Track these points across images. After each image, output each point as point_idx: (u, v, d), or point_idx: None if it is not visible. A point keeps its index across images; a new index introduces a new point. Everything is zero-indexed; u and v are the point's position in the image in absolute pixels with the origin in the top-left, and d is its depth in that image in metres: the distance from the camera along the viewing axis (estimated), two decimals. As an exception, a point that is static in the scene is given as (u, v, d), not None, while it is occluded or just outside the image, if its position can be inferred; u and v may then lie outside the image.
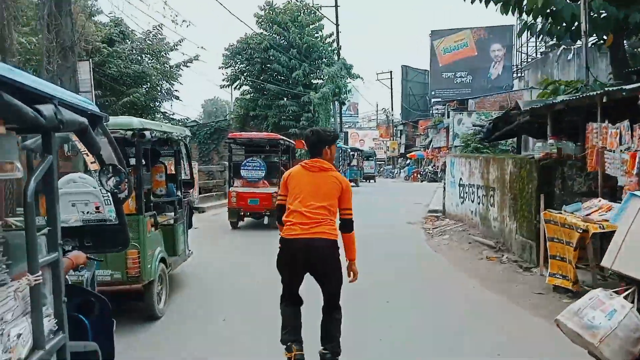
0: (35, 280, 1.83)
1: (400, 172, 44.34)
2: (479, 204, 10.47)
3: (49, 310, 2.08)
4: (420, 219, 13.20)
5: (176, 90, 22.32)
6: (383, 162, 52.73)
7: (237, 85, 32.38)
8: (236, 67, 32.12)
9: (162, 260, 5.82)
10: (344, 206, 3.94)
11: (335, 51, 32.21)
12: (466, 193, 11.29)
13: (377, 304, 6.10)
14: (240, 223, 12.27)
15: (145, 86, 17.89)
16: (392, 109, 53.86)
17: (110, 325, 2.86)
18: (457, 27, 43.26)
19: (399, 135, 57.22)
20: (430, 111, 59.45)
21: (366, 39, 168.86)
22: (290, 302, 3.99)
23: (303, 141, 8.43)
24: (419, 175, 34.47)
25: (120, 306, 4.87)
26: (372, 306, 6.02)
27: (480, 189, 10.37)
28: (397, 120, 58.68)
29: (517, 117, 9.48)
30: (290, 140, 14.99)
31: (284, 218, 3.99)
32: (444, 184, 16.08)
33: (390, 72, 52.57)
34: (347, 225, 3.95)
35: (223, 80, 32.44)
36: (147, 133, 5.39)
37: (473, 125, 27.88)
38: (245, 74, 32.03)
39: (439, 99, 43.46)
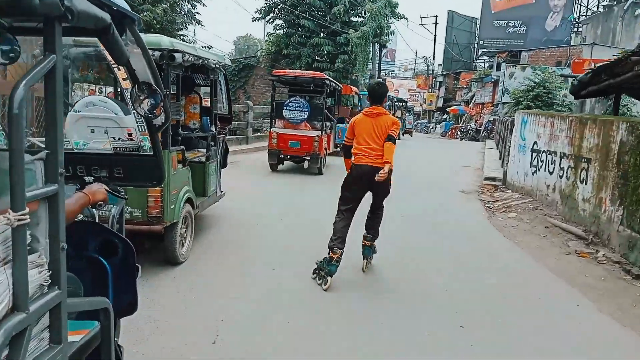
0: (19, 220, 1.35)
1: (436, 128, 41.47)
2: (560, 177, 8.13)
3: (42, 259, 1.54)
4: (476, 187, 10.91)
5: (198, 13, 19.72)
6: (417, 115, 49.62)
7: (270, 19, 29.62)
8: (270, -1, 29.32)
9: (189, 200, 5.33)
10: (392, 128, 4.90)
11: (381, -14, 28.95)
12: (542, 161, 8.93)
13: (446, 322, 4.03)
14: (280, 166, 11.90)
15: (163, 4, 15.38)
16: (433, 58, 50.22)
17: (134, 272, 2.34)
18: (516, -30, 39.04)
19: (437, 87, 53.76)
20: (474, 63, 55.71)
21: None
22: (345, 217, 4.98)
23: (352, 87, 11.88)
24: (458, 133, 31.67)
25: (139, 246, 4.45)
26: (440, 323, 3.95)
27: (565, 158, 8.01)
28: (436, 71, 54.99)
29: (636, 67, 6.94)
30: (338, 83, 13.95)
31: (354, 151, 5.01)
32: (506, 147, 13.71)
33: (436, 16, 48.48)
34: (390, 138, 4.87)
35: (255, 12, 29.78)
36: (178, 55, 4.65)
37: (564, 76, 24.84)
38: (279, 6, 29.24)
39: (488, 50, 39.85)
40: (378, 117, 4.92)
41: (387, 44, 29.76)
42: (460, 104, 43.44)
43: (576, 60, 29.19)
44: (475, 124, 30.97)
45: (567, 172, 7.94)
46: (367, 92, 5.53)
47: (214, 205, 6.70)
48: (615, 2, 41.10)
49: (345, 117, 17.29)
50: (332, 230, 4.97)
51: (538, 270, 5.90)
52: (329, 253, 4.85)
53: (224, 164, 6.80)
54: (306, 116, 11.11)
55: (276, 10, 29.57)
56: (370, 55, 28.78)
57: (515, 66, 28.70)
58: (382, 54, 69.83)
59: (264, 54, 30.50)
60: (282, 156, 11.39)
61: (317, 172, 11.45)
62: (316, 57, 28.39)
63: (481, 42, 40.45)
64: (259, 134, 19.74)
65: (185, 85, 5.98)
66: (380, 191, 5.06)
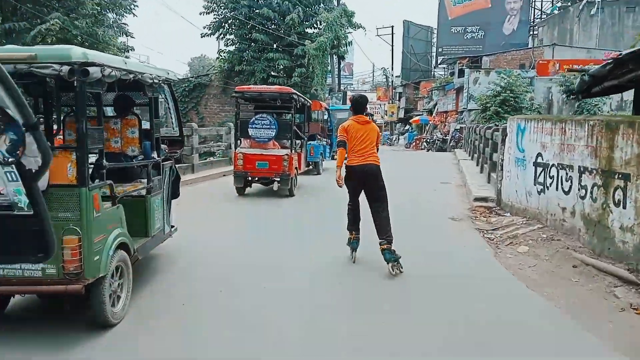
0: None
1: (399, 139, 39.99)
2: (582, 197, 6.33)
3: None
4: (466, 210, 9.03)
5: (124, 24, 17.31)
6: (380, 128, 48.28)
7: (220, 35, 27.58)
8: (219, 13, 27.34)
9: (122, 246, 4.24)
10: (378, 141, 6.05)
11: (335, -5, 27.40)
12: (551, 178, 7.13)
13: None
14: (248, 190, 11.10)
15: (87, 16, 12.99)
16: (392, 69, 49.07)
17: None
18: (470, -25, 38.29)
19: (397, 98, 52.64)
20: (433, 72, 54.95)
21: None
22: (353, 207, 6.08)
23: (321, 103, 13.23)
24: (425, 144, 30.16)
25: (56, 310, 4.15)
26: None
27: (587, 173, 6.22)
28: (396, 83, 53.94)
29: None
30: (306, 98, 13.39)
31: (348, 154, 5.91)
32: (487, 159, 11.98)
33: (392, 27, 47.45)
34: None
35: (205, 28, 27.72)
36: (94, 70, 3.60)
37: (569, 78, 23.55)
38: (229, 21, 27.28)
39: (447, 57, 38.84)
40: (366, 124, 5.97)
41: (345, 56, 28.12)
42: (422, 114, 42.23)
43: (540, 62, 28.23)
44: (441, 134, 29.53)
45: (592, 192, 6.13)
46: (351, 104, 6.33)
47: (161, 246, 5.67)
48: (570, 3, 40.95)
49: (316, 134, 15.37)
50: (347, 216, 6.11)
51: (598, 349, 3.99)
52: (350, 234, 6.08)
53: (174, 194, 5.88)
54: (274, 134, 10.32)
55: (226, 25, 27.62)
56: (329, 67, 27.06)
57: (479, 71, 27.47)
58: (341, 66, 68.73)
59: (216, 72, 28.35)
60: (250, 178, 10.58)
61: (288, 193, 10.64)
62: (272, 72, 26.52)
63: (440, 50, 39.43)
64: (212, 158, 17.49)
65: (120, 106, 5.19)
66: (375, 188, 5.88)
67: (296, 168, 11.08)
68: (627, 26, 35.84)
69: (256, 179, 10.65)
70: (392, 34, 47.46)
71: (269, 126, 10.25)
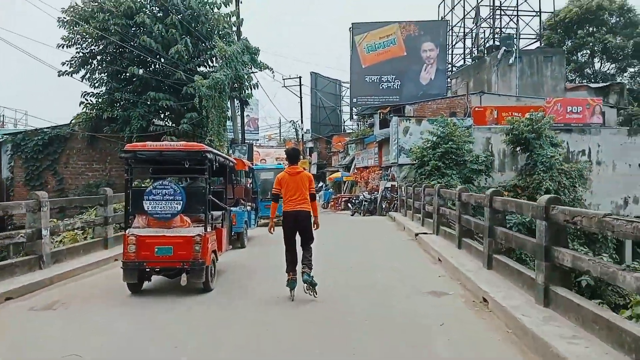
0: None
1: (314, 197, 34.71)
2: None
3: None
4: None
5: None
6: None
7: (86, 74, 20.89)
8: (84, 46, 20.80)
9: None
10: (310, 186, 7.03)
11: (235, 26, 21.97)
12: None
13: None
14: (147, 284, 7.47)
15: None
16: (301, 122, 44.37)
17: None
18: (384, 20, 34.97)
19: (309, 154, 47.84)
20: (343, 127, 51.16)
21: (271, 35, 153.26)
22: (290, 250, 6.99)
23: (243, 161, 12.45)
24: (349, 205, 24.89)
25: None
26: None
27: None
28: (306, 137, 49.32)
29: None
30: (229, 157, 9.89)
31: (283, 202, 7.00)
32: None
33: (300, 77, 43.08)
34: (312, 197, 7.07)
35: (64, 64, 20.93)
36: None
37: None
38: (98, 57, 20.79)
39: (362, 107, 34.66)
40: (297, 175, 6.99)
41: (248, 100, 22.49)
42: (337, 170, 37.49)
43: (477, 109, 24.44)
44: (367, 193, 24.41)
45: None
46: (286, 156, 7.46)
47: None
48: (483, 54, 39.16)
49: (239, 199, 12.15)
50: (285, 261, 6.94)
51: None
52: (287, 275, 6.85)
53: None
54: (180, 207, 7.16)
55: (94, 62, 21.08)
56: (229, 113, 21.20)
57: (409, 120, 22.99)
58: (244, 115, 63.30)
59: (79, 120, 21.37)
60: (148, 270, 7.14)
61: (202, 288, 7.25)
62: (154, 119, 20.18)
63: (354, 100, 35.24)
64: (68, 245, 10.59)
65: None
66: (304, 230, 7.00)
67: (214, 252, 7.72)
68: (545, 75, 34.05)
69: (157, 269, 7.25)
70: (300, 84, 43.00)
71: (172, 197, 7.19)
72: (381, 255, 10.50)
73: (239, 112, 22.75)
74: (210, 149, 7.70)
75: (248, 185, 14.04)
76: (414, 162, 20.71)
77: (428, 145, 20.21)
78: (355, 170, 30.90)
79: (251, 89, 21.59)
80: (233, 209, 10.69)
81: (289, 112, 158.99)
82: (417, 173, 20.14)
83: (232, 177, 10.67)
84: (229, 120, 20.75)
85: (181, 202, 7.12)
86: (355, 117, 38.52)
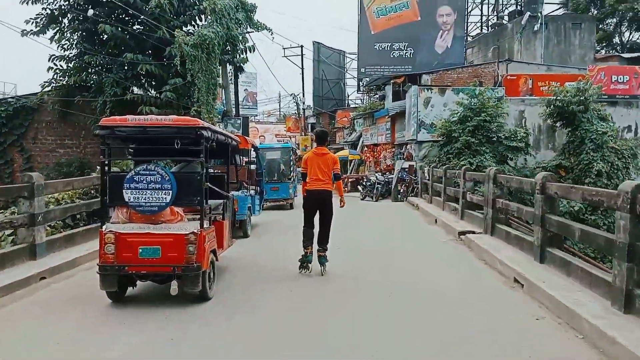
0: None
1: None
2: None
3: None
4: None
5: None
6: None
7: (55, 35, 17.60)
8: (51, 1, 17.50)
9: None
10: (335, 167, 7.22)
11: (227, -23, 18.52)
12: None
13: None
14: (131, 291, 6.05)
15: None
16: (302, 95, 41.03)
17: None
18: (395, -19, 31.31)
19: (311, 130, 44.62)
20: (347, 101, 47.80)
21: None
22: (308, 226, 7.21)
23: (246, 138, 10.38)
24: (358, 187, 21.81)
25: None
26: None
27: None
28: (307, 113, 45.99)
29: None
30: (231, 135, 7.77)
31: (307, 180, 7.18)
32: None
33: (301, 46, 39.61)
34: (337, 177, 7.31)
35: (28, 23, 17.64)
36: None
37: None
38: (68, 13, 17.48)
39: (370, 77, 31.25)
40: (323, 156, 7.22)
41: (243, 66, 19.15)
42: (342, 147, 34.31)
43: (509, 77, 21.16)
44: (381, 174, 21.24)
45: None
46: (315, 136, 7.96)
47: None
48: (503, 21, 35.56)
49: (241, 182, 10.71)
50: (302, 235, 7.19)
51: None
52: (303, 250, 7.12)
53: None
54: (169, 198, 5.61)
55: (64, 20, 17.79)
56: (220, 81, 17.95)
57: (431, 89, 19.71)
58: (243, 98, 60.18)
59: (48, 89, 18.17)
60: (133, 274, 5.66)
61: (198, 296, 5.80)
62: (132, 87, 17.02)
63: (362, 70, 31.79)
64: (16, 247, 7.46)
65: None
66: (326, 210, 7.21)
67: (214, 251, 6.05)
68: (573, 44, 30.62)
69: (141, 274, 5.63)
70: (302, 54, 39.61)
71: (159, 185, 5.55)
72: (425, 270, 7.41)
73: (232, 79, 19.45)
74: (207, 124, 6.04)
75: (251, 167, 12.27)
76: (439, 138, 17.55)
77: (455, 118, 17.03)
78: (365, 148, 27.71)
79: (246, 52, 18.27)
80: (235, 193, 9.28)
81: (288, 84, 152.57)
82: (441, 152, 16.99)
83: (235, 158, 9.17)
84: (220, 88, 17.48)
85: (171, 191, 5.66)
86: (363, 88, 35.03)
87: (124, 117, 5.84)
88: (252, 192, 11.00)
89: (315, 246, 7.14)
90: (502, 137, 16.63)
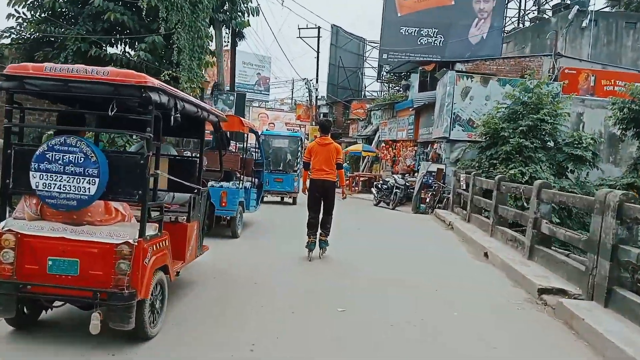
0: None
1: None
2: None
3: None
4: None
5: None
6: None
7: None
8: None
9: None
10: (338, 157, 7.34)
11: None
12: None
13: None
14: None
15: None
16: (316, 82, 37.33)
17: None
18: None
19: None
20: (364, 92, 43.96)
21: None
22: (313, 216, 7.36)
23: (242, 119, 8.66)
24: (372, 191, 18.14)
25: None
26: None
27: None
28: (320, 101, 42.29)
29: None
30: (208, 107, 5.57)
31: (311, 170, 7.31)
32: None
33: (318, 28, 35.91)
34: (339, 166, 7.40)
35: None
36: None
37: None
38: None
39: (392, 63, 27.42)
40: (327, 145, 7.30)
41: (243, 31, 15.46)
42: (356, 141, 30.62)
43: (567, 71, 17.32)
44: (400, 177, 17.48)
45: None
46: (318, 126, 8.07)
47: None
48: (549, 14, 31.59)
49: (233, 171, 8.93)
50: (307, 225, 7.42)
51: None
52: (308, 238, 7.38)
53: None
54: (95, 189, 3.97)
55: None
56: (212, 44, 14.31)
57: (472, 77, 15.93)
58: (255, 82, 56.69)
59: (6, 43, 14.58)
60: (38, 296, 4.06)
61: (136, 335, 4.08)
62: (102, 43, 13.51)
63: (384, 56, 27.99)
64: None
65: None
66: (329, 199, 7.37)
67: (164, 269, 4.43)
68: (625, 45, 26.66)
69: (52, 296, 4.05)
70: (319, 36, 35.93)
71: (81, 168, 3.98)
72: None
73: (228, 46, 15.78)
74: (162, 85, 4.21)
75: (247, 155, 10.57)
76: (479, 139, 13.85)
77: (500, 114, 13.30)
78: (382, 144, 23.98)
79: (249, 15, 14.58)
80: (225, 184, 8.48)
81: (302, 71, 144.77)
82: (482, 155, 13.30)
83: (223, 140, 6.98)
84: (210, 54, 13.79)
85: (97, 178, 3.99)
86: (385, 75, 31.08)
87: (41, 65, 4.21)
88: (247, 184, 9.45)
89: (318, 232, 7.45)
90: (562, 142, 12.89)
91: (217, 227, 7.99)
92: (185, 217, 5.32)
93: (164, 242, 4.48)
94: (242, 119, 9.57)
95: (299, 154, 14.94)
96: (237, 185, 8.82)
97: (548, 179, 11.63)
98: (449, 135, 15.38)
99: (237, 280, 6.05)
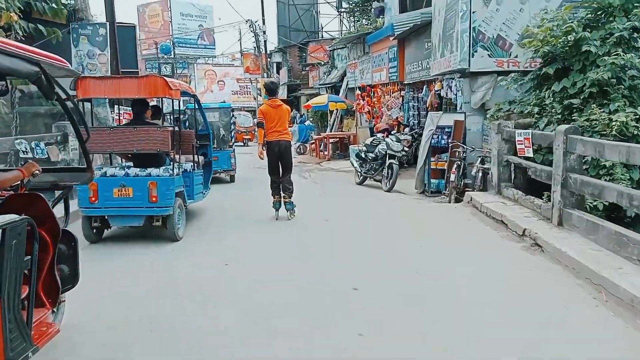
0: None
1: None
2: None
3: None
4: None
5: None
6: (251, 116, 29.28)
7: None
8: None
9: None
10: (289, 119, 7.75)
11: None
12: None
13: None
14: None
15: None
16: (263, 22, 30.54)
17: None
18: None
19: (276, 71, 34.41)
20: (321, 33, 37.19)
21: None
22: (274, 178, 7.56)
23: (170, 81, 6.63)
24: (353, 163, 12.21)
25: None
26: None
27: None
28: (271, 49, 35.47)
29: None
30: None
31: (267, 133, 7.46)
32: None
33: (259, -44, 28.79)
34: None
35: None
36: None
37: None
38: None
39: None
40: (278, 107, 7.45)
41: None
42: (318, 92, 24.47)
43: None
44: (395, 139, 11.51)
45: None
46: (265, 89, 8.05)
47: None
48: None
49: (166, 152, 7.10)
50: (270, 187, 7.63)
51: None
52: (272, 197, 7.63)
53: None
54: None
55: None
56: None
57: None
58: (198, 36, 48.98)
59: None
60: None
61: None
62: None
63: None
64: None
65: None
66: (286, 159, 7.57)
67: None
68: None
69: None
70: (261, -33, 28.85)
71: None
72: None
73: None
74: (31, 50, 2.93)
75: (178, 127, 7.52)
76: (531, 64, 8.10)
77: (579, 19, 7.55)
78: (358, 91, 17.92)
79: None
80: (154, 172, 6.59)
81: (247, 11, 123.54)
82: (543, 93, 7.55)
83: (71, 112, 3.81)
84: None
85: None
86: (345, 3, 24.57)
87: None
88: (188, 165, 7.51)
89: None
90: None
91: (151, 228, 6.57)
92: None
93: None
94: (167, 79, 6.77)
95: (232, 127, 13.56)
96: (170, 172, 6.80)
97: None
98: (468, 64, 9.49)
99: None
